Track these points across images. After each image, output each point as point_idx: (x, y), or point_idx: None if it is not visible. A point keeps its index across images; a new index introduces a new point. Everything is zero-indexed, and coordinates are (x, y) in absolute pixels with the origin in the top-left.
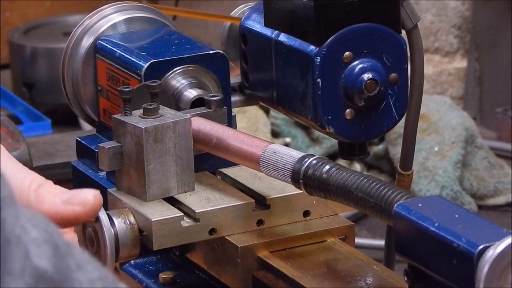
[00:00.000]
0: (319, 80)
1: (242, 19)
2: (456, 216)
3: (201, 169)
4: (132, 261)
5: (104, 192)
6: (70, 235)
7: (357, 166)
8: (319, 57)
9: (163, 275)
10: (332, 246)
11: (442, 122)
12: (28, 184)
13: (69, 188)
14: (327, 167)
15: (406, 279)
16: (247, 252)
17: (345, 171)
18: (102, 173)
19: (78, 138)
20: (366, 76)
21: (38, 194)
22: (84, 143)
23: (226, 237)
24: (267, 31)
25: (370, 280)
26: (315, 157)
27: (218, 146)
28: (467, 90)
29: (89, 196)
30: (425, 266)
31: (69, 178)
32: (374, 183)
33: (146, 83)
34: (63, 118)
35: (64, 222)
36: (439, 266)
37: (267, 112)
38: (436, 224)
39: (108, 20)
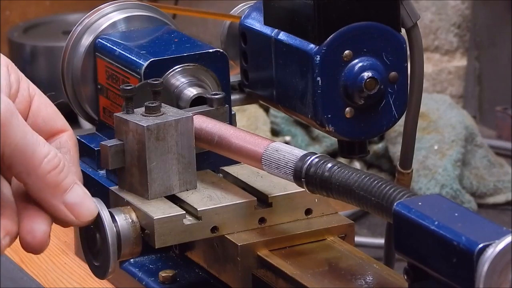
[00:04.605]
0: (318, 78)
1: (242, 18)
2: (456, 214)
3: (203, 167)
4: (131, 260)
5: (105, 191)
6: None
7: (357, 165)
8: (318, 56)
9: (163, 274)
10: (332, 244)
11: (442, 121)
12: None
13: None
14: (329, 165)
15: (405, 277)
16: (247, 251)
17: (347, 169)
18: (102, 172)
19: (77, 137)
20: (366, 74)
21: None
22: (84, 141)
23: (226, 235)
24: (267, 30)
25: (370, 278)
26: (317, 155)
27: (220, 144)
28: (466, 89)
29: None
30: (425, 265)
31: None
32: (376, 181)
33: (148, 81)
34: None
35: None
36: (439, 265)
37: (267, 110)
38: (436, 223)
39: (107, 19)
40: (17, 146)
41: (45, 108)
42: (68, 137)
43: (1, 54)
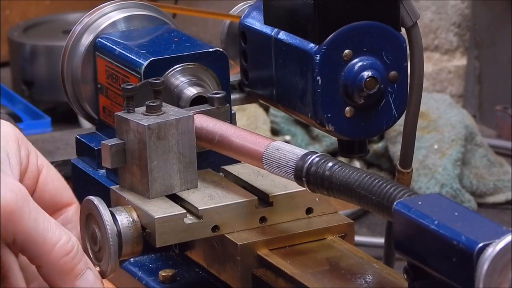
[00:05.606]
0: (318, 78)
1: (242, 17)
2: (456, 214)
3: (204, 166)
4: (131, 259)
5: (106, 190)
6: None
7: (357, 164)
8: (318, 55)
9: (162, 273)
10: (332, 244)
11: (441, 120)
12: (58, 255)
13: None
14: (330, 164)
15: (405, 277)
16: (246, 250)
17: (348, 168)
18: (102, 171)
19: (77, 136)
20: (366, 74)
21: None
22: (84, 141)
23: (226, 235)
24: (267, 29)
25: (369, 278)
26: (318, 154)
27: (221, 143)
28: (466, 88)
29: None
30: (425, 264)
31: (68, 176)
32: (376, 180)
33: (149, 80)
34: (62, 116)
35: None
36: (439, 264)
37: (266, 110)
38: (436, 222)
39: (107, 18)
40: (29, 233)
41: (52, 181)
42: (75, 211)
43: (10, 124)
